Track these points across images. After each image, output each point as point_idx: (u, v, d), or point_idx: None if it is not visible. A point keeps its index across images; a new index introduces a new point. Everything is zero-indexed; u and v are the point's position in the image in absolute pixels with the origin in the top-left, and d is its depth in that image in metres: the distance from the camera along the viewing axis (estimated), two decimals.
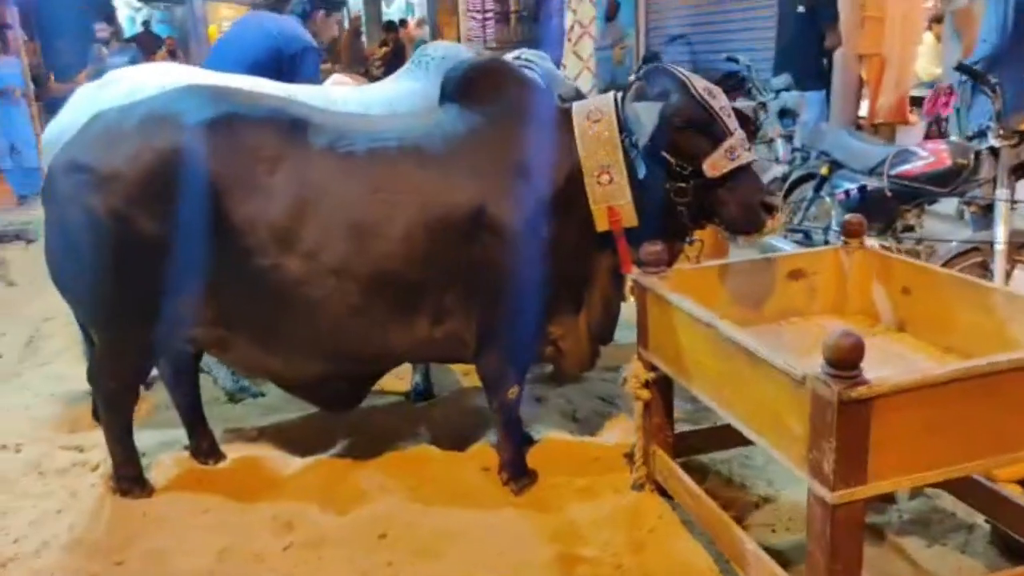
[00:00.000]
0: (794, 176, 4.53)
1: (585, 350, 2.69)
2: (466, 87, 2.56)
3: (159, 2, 16.34)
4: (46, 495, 2.71)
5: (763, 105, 4.91)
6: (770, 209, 2.38)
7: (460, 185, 2.41)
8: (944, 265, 3.45)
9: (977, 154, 3.53)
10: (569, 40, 6.88)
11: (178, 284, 2.39)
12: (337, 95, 3.10)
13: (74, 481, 2.78)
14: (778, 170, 4.82)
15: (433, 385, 3.39)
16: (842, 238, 2.67)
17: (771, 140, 4.92)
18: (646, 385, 2.50)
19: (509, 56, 3.37)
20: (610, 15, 9.42)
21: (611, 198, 2.46)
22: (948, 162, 3.59)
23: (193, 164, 2.29)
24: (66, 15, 11.43)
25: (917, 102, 6.77)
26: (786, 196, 4.48)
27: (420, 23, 15.15)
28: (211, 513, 2.56)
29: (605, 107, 2.49)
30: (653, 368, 2.47)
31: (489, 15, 10.62)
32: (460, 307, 2.49)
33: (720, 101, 2.38)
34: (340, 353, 2.52)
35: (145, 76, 3.01)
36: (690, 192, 2.39)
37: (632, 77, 2.52)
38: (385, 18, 15.83)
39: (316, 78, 3.71)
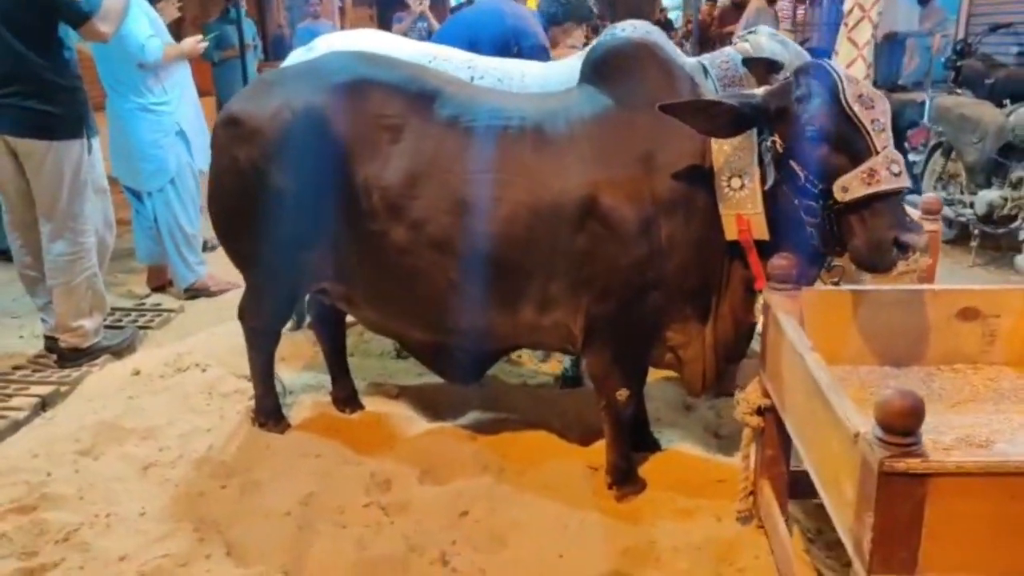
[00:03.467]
0: None
1: (709, 364, 2.44)
2: (602, 68, 2.41)
3: None
4: (205, 413, 3.06)
5: None
6: (905, 249, 1.98)
7: (574, 171, 2.28)
8: None
9: None
10: (846, 25, 6.21)
11: (307, 237, 2.53)
12: (518, 70, 3.06)
13: (230, 405, 3.10)
14: None
15: (583, 375, 3.30)
16: None
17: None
18: (759, 412, 2.23)
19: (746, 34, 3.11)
20: None
21: (740, 206, 2.20)
22: None
23: (323, 125, 2.40)
24: None
25: None
26: None
27: None
28: (321, 458, 2.72)
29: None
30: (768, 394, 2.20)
31: None
32: (566, 297, 2.38)
33: (875, 112, 2.00)
34: (442, 325, 2.53)
35: (340, 41, 3.20)
36: (819, 213, 2.07)
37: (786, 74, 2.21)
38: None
39: None
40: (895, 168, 1.99)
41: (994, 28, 8.10)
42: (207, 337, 3.83)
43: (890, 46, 8.92)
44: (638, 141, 2.29)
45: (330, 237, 2.52)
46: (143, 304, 4.45)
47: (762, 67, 2.75)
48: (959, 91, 5.78)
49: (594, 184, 2.27)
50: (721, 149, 2.23)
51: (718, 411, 3.02)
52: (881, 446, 1.36)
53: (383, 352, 3.61)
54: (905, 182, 2.02)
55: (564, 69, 3.03)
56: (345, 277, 2.58)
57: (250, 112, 2.50)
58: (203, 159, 4.66)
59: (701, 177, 2.25)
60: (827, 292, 2.25)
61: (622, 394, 2.48)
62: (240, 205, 2.56)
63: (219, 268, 4.75)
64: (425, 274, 2.40)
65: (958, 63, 6.10)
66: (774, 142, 2.11)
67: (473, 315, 2.45)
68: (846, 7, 6.20)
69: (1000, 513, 1.35)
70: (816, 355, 1.75)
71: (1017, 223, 4.66)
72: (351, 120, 2.40)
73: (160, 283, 4.73)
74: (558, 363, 3.45)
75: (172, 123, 4.38)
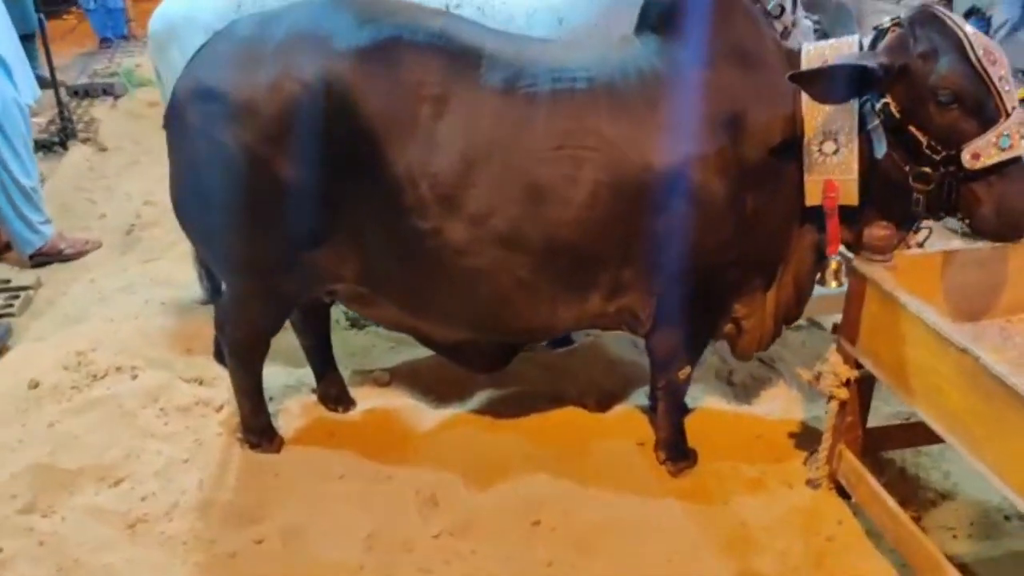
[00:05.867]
0: None
1: (768, 331, 2.34)
2: (672, 16, 2.08)
3: None
4: (170, 438, 2.55)
5: (948, 2, 4.19)
6: None
7: (657, 142, 2.00)
8: None
9: None
10: None
11: (318, 236, 2.10)
12: None
13: (198, 424, 2.61)
14: None
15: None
16: None
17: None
18: (846, 384, 2.18)
19: None
20: None
21: (832, 171, 2.03)
22: None
23: (344, 100, 1.94)
24: None
25: None
26: None
27: None
28: (347, 480, 2.38)
29: (846, 55, 2.01)
30: (858, 365, 2.15)
31: None
32: (640, 282, 2.15)
33: (1000, 68, 1.86)
34: (499, 326, 2.22)
35: None
36: (936, 179, 1.94)
37: (888, 21, 2.01)
38: None
39: None
40: (1023, 130, 1.90)
41: None
42: (104, 324, 3.18)
43: None
44: (725, 104, 2.02)
45: (353, 235, 2.09)
46: None
47: None
48: None
49: (682, 157, 2.00)
50: (814, 112, 2.02)
51: (723, 356, 2.97)
52: None
53: (336, 322, 3.17)
54: None
55: None
56: (373, 280, 2.17)
57: (236, 83, 1.96)
58: (29, 92, 3.78)
59: (790, 143, 2.05)
60: (913, 256, 2.18)
61: (685, 372, 2.35)
62: (228, 200, 2.05)
63: (66, 223, 3.98)
64: (488, 274, 2.06)
65: None
66: (886, 105, 1.93)
67: (538, 313, 2.16)
68: None
69: None
70: (990, 357, 1.68)
71: None
72: (381, 94, 1.94)
73: None
74: None
75: None
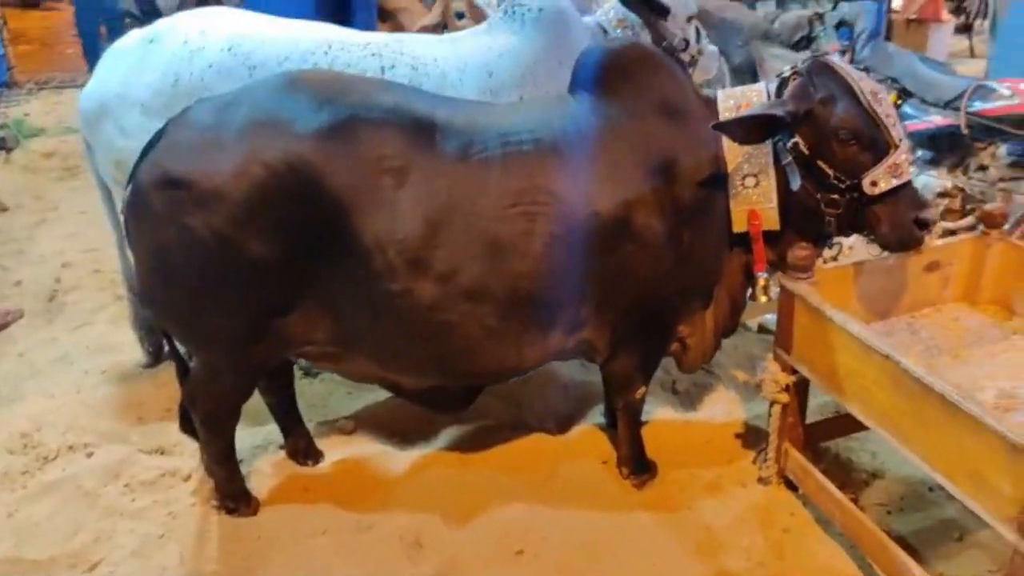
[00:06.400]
0: None
1: (710, 345, 2.56)
2: (603, 75, 2.26)
3: None
4: (140, 514, 2.52)
5: (820, 16, 4.58)
6: (924, 225, 2.20)
7: (601, 191, 2.17)
8: (1022, 217, 3.36)
9: None
10: None
11: (290, 304, 2.17)
12: (428, 54, 2.73)
13: (168, 496, 2.59)
14: None
15: None
16: (981, 228, 2.55)
17: (826, 55, 4.63)
18: (785, 389, 2.40)
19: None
20: None
21: (754, 201, 2.27)
22: None
23: (311, 179, 2.02)
24: None
25: None
26: None
27: None
28: (330, 533, 2.43)
29: (755, 101, 2.24)
30: (793, 372, 2.38)
31: None
32: (596, 317, 2.32)
33: (887, 107, 2.16)
34: (470, 371, 2.34)
35: (195, 24, 2.62)
36: (843, 204, 2.21)
37: (788, 70, 2.25)
38: None
39: None
40: (910, 157, 2.18)
41: None
42: (44, 400, 3.09)
43: None
44: (656, 152, 2.22)
45: (324, 300, 2.16)
46: None
47: (646, 10, 2.79)
48: None
49: (625, 203, 2.18)
50: (735, 152, 2.25)
51: (665, 367, 3.15)
52: None
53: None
54: (916, 168, 2.22)
55: (475, 47, 2.79)
56: (344, 340, 2.24)
57: (203, 170, 2.00)
58: None
59: (716, 180, 2.27)
60: (828, 269, 2.45)
61: (641, 392, 2.53)
62: (198, 281, 2.09)
63: None
64: (458, 326, 2.17)
65: None
66: (796, 143, 2.17)
67: (506, 356, 2.28)
68: None
69: None
70: (910, 360, 1.92)
71: None
72: (345, 168, 2.03)
73: None
74: None
75: None
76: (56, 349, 3.47)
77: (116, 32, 8.84)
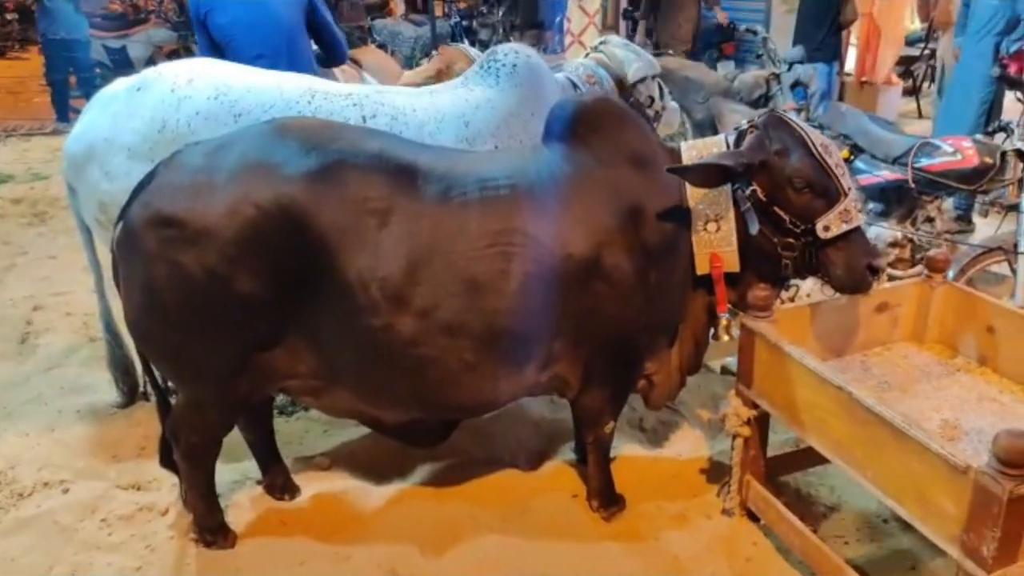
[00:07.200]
0: None
1: (675, 382, 2.69)
2: (575, 127, 2.41)
3: None
4: (117, 548, 2.55)
5: (776, 77, 4.85)
6: (876, 272, 2.37)
7: (575, 234, 2.30)
8: (966, 265, 3.56)
9: (1003, 154, 3.58)
10: None
11: (275, 340, 2.26)
12: (407, 104, 2.87)
13: (145, 530, 2.62)
14: None
15: None
16: (925, 272, 2.73)
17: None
18: (747, 423, 2.53)
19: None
20: None
21: (716, 244, 2.42)
22: (975, 161, 3.60)
23: (300, 219, 2.13)
24: None
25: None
26: None
27: None
28: (308, 565, 2.48)
29: (715, 151, 2.41)
30: (755, 406, 2.50)
31: None
32: (568, 353, 2.43)
33: (835, 158, 2.34)
34: (448, 404, 2.43)
35: (187, 77, 2.73)
36: (798, 248, 2.37)
37: (745, 123, 2.43)
38: None
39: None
40: (859, 205, 2.35)
41: None
42: (19, 439, 3.12)
43: None
44: (625, 198, 2.36)
45: (308, 334, 2.25)
46: None
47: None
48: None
49: (596, 245, 2.31)
50: (698, 199, 2.40)
51: (632, 404, 3.26)
52: (1006, 478, 1.69)
53: None
54: (864, 215, 2.39)
55: (454, 100, 2.93)
56: (327, 374, 2.33)
57: (195, 210, 2.10)
58: None
59: (680, 224, 2.42)
60: (786, 309, 2.60)
61: (610, 427, 2.64)
62: (190, 319, 2.17)
63: None
64: (437, 360, 2.27)
65: None
66: (754, 191, 2.34)
67: (482, 390, 2.39)
68: None
69: None
70: (861, 390, 2.06)
71: None
72: (332, 209, 2.14)
73: None
74: None
75: None
76: (29, 390, 3.49)
77: (86, 82, 9.05)
